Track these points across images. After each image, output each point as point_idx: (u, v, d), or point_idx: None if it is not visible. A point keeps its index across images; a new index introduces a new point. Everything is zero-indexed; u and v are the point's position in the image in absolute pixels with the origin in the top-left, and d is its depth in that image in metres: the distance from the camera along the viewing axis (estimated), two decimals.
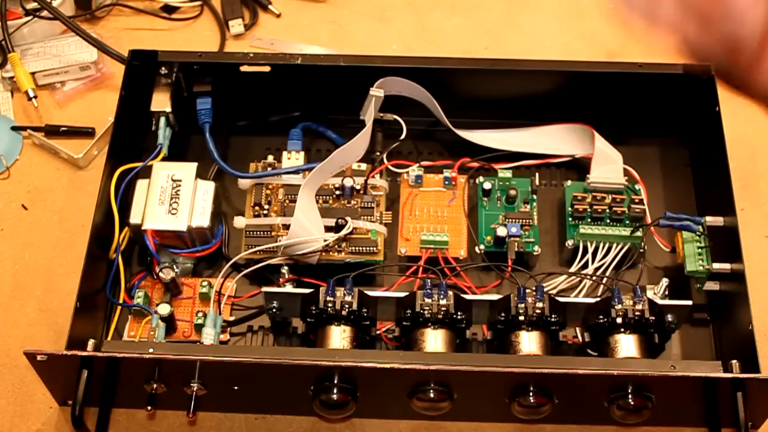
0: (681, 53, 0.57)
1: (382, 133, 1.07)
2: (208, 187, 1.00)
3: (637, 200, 1.01)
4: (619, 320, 0.91)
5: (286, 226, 0.99)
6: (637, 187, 1.03)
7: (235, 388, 0.90)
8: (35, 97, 1.13)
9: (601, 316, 0.92)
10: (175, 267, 0.99)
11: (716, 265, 0.96)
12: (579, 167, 1.07)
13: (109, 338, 0.97)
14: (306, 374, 0.87)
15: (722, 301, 0.98)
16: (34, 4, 1.14)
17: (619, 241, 1.00)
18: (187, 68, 1.05)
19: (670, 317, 0.92)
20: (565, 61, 1.06)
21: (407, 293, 0.92)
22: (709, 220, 0.98)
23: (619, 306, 0.91)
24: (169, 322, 0.96)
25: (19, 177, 1.10)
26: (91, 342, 0.89)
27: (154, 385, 0.88)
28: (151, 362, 0.86)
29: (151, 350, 0.87)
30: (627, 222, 1.01)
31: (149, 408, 0.90)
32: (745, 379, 0.85)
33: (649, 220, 1.02)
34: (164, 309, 0.95)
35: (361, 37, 1.21)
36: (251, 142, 1.10)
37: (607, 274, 1.00)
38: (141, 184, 1.00)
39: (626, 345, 0.92)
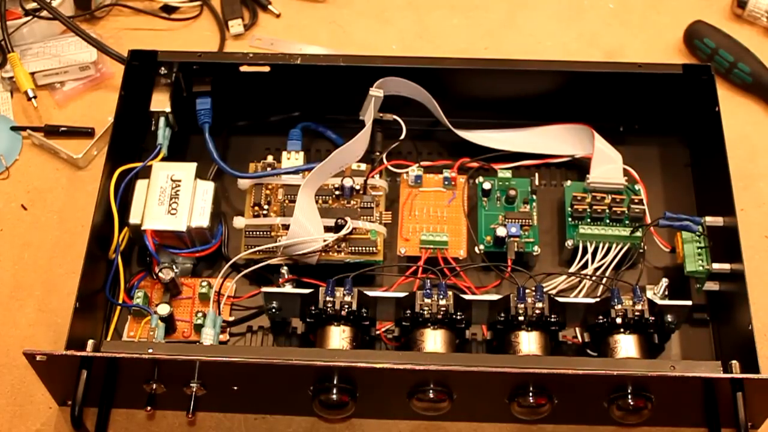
0: None
1: (381, 133, 1.07)
2: (207, 188, 1.00)
3: (636, 200, 1.01)
4: (618, 320, 0.91)
5: (286, 227, 0.99)
6: (636, 187, 1.03)
7: (235, 388, 0.90)
8: (35, 97, 1.13)
9: (600, 317, 0.92)
10: (174, 267, 0.99)
11: (716, 265, 0.96)
12: (579, 167, 1.07)
13: (108, 338, 0.97)
14: (305, 374, 0.87)
15: (722, 301, 0.98)
16: (34, 4, 1.14)
17: (618, 241, 1.00)
18: (186, 68, 1.05)
19: (669, 317, 0.92)
20: (565, 61, 1.06)
21: (407, 293, 0.92)
22: (709, 220, 0.98)
23: (619, 306, 0.91)
24: (169, 322, 0.96)
25: (18, 177, 1.10)
26: (90, 342, 0.89)
27: (154, 386, 0.88)
28: (150, 362, 0.86)
29: (150, 350, 0.86)
30: (627, 222, 1.01)
31: (149, 408, 0.90)
32: (744, 379, 0.85)
33: (648, 220, 1.01)
34: (164, 309, 0.95)
35: (361, 37, 1.21)
36: (251, 142, 1.10)
37: (607, 274, 1.00)
38: (140, 184, 1.00)
39: (626, 345, 0.92)
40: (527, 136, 1.08)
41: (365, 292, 0.92)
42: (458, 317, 0.92)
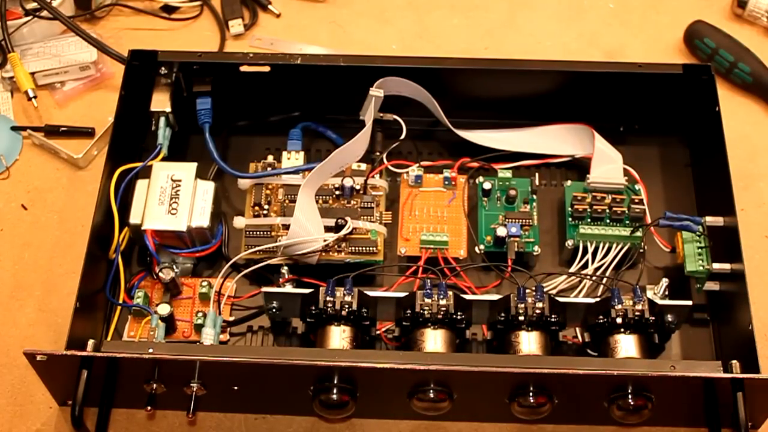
0: None
1: (382, 133, 1.07)
2: (207, 187, 1.00)
3: (637, 200, 1.01)
4: (619, 320, 0.91)
5: (286, 226, 0.99)
6: (637, 187, 1.03)
7: (235, 388, 0.90)
8: (35, 97, 1.13)
9: (601, 316, 0.92)
10: (174, 267, 0.99)
11: (716, 265, 0.96)
12: (579, 167, 1.07)
13: (108, 338, 0.97)
14: (306, 374, 0.87)
15: (722, 301, 0.98)
16: (34, 4, 1.14)
17: (619, 241, 1.00)
18: (186, 68, 1.05)
19: (670, 317, 0.92)
20: (565, 61, 1.06)
21: (407, 293, 0.92)
22: (709, 220, 0.98)
23: (619, 306, 0.91)
24: (169, 322, 0.96)
25: (18, 177, 1.10)
26: (90, 342, 0.89)
27: (154, 386, 0.88)
28: (150, 362, 0.86)
29: (150, 350, 0.86)
30: (627, 222, 1.01)
31: (149, 408, 0.90)
32: (745, 379, 0.85)
33: (649, 220, 1.01)
34: (164, 309, 0.95)
35: (361, 37, 1.21)
36: (251, 142, 1.10)
37: (607, 274, 1.00)
38: (141, 184, 1.00)
39: (626, 345, 0.92)
40: (527, 136, 1.08)
41: (365, 292, 0.92)
42: (458, 317, 0.92)
